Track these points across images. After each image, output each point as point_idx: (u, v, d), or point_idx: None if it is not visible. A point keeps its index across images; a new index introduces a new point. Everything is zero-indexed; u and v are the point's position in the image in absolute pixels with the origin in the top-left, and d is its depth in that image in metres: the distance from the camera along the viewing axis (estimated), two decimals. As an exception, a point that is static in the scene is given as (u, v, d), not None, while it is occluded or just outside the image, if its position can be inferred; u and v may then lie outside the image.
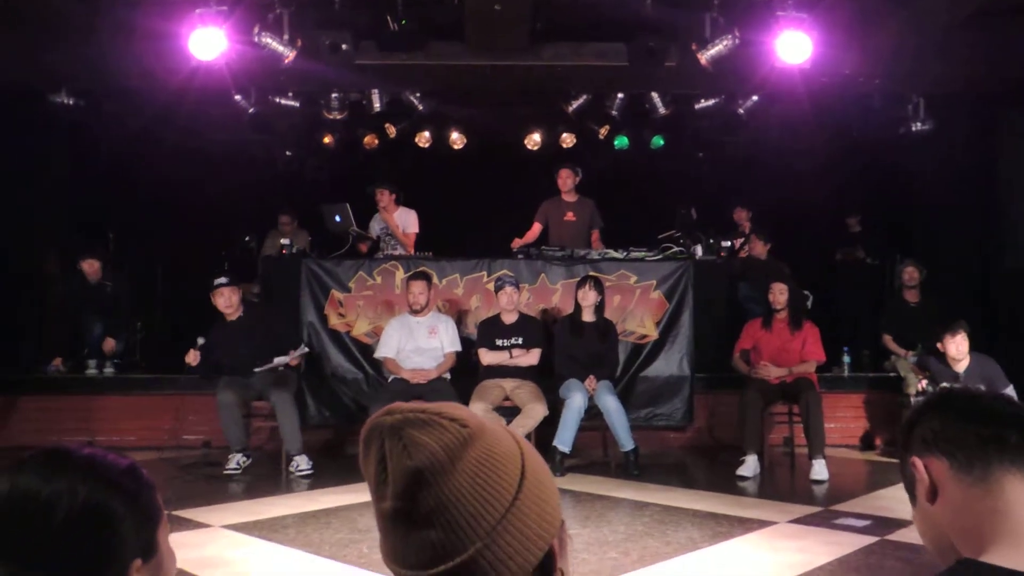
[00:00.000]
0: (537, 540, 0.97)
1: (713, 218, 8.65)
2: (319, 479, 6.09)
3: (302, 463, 6.23)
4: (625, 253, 7.43)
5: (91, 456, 1.08)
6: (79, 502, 1.02)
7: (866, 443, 7.46)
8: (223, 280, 6.60)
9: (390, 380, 6.67)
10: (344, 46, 6.93)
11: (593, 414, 6.39)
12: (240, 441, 6.26)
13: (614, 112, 9.08)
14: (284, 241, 7.87)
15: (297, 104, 8.79)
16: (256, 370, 6.34)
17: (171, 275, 9.31)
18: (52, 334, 8.14)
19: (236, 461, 6.22)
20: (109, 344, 7.80)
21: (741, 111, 8.82)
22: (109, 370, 7.75)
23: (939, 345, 6.22)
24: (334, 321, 7.31)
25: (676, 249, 7.51)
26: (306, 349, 6.60)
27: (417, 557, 0.95)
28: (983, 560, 1.07)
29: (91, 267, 7.87)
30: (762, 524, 4.93)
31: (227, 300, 6.50)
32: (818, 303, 7.86)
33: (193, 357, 6.31)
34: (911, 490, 1.26)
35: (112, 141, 8.82)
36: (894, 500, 5.44)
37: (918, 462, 1.22)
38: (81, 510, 1.02)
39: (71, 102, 8.01)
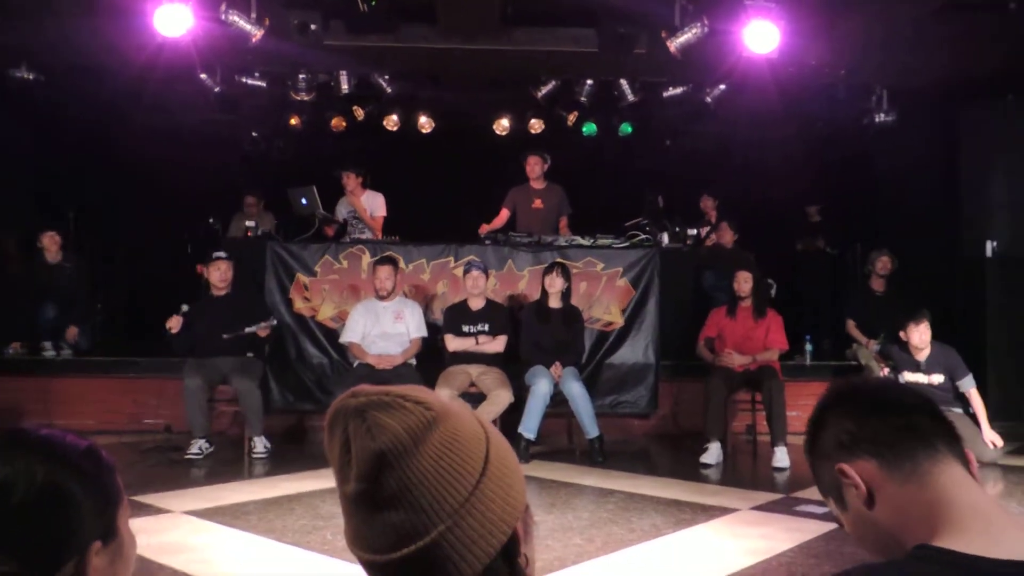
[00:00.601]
0: (500, 524, 0.98)
1: (680, 206, 8.70)
2: (282, 464, 6.05)
3: (258, 445, 6.24)
4: (592, 240, 7.45)
5: (49, 437, 1.07)
6: (37, 483, 1.00)
7: None
8: (222, 253, 6.61)
9: (355, 365, 6.63)
10: (313, 26, 6.84)
11: (559, 401, 6.41)
12: (203, 428, 6.22)
13: (583, 98, 9.06)
14: (249, 223, 7.77)
15: (264, 84, 8.67)
16: (225, 335, 6.30)
17: (133, 256, 9.17)
18: (8, 316, 7.96)
19: (198, 447, 6.17)
20: (72, 332, 7.67)
21: (709, 100, 8.86)
22: (67, 352, 7.62)
23: (902, 334, 6.31)
24: (299, 305, 7.25)
25: (643, 237, 7.54)
26: (274, 321, 6.54)
27: (380, 540, 0.95)
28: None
29: (52, 240, 7.72)
30: (725, 511, 4.98)
31: (222, 274, 6.53)
32: (781, 292, 7.94)
33: (176, 323, 6.27)
34: (833, 495, 1.23)
35: (75, 119, 8.65)
36: (854, 487, 5.53)
37: (848, 469, 1.18)
38: (39, 492, 1.00)
39: (31, 77, 7.83)
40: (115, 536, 1.07)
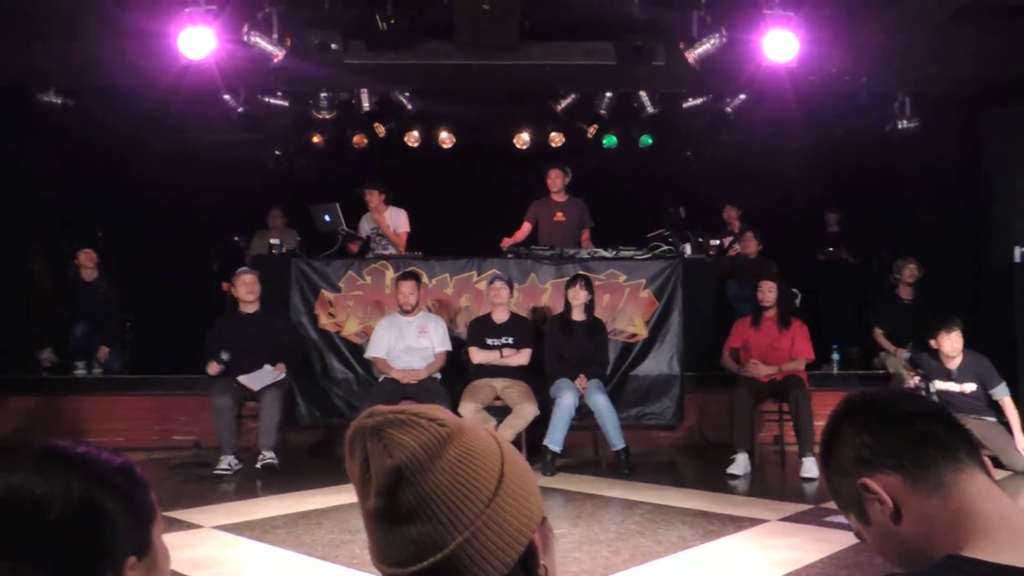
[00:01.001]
0: (517, 535, 0.99)
1: (701, 217, 8.69)
2: (310, 480, 6.07)
3: (267, 456, 6.26)
4: (614, 252, 7.45)
5: (85, 454, 1.08)
6: (73, 500, 1.02)
7: None
8: (246, 268, 6.70)
9: (380, 380, 6.67)
10: (333, 45, 6.93)
11: (584, 413, 6.40)
12: (232, 444, 6.28)
13: (602, 111, 9.09)
14: (274, 241, 7.85)
15: (286, 104, 8.77)
16: (239, 378, 6.35)
17: (159, 275, 9.27)
18: (39, 333, 8.09)
19: (227, 463, 6.22)
20: (103, 352, 7.77)
21: (728, 110, 8.85)
22: (98, 371, 7.72)
23: (933, 342, 6.25)
24: (324, 321, 7.30)
25: (665, 248, 7.53)
26: (282, 375, 6.52)
27: (400, 554, 0.97)
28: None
29: (89, 258, 7.85)
30: (753, 522, 4.94)
31: (249, 288, 6.59)
32: (806, 301, 7.90)
33: (215, 370, 6.36)
34: (854, 510, 1.21)
35: (100, 140, 8.77)
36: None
37: (872, 484, 1.16)
38: (75, 508, 1.02)
39: (59, 101, 7.97)
40: (149, 551, 1.09)
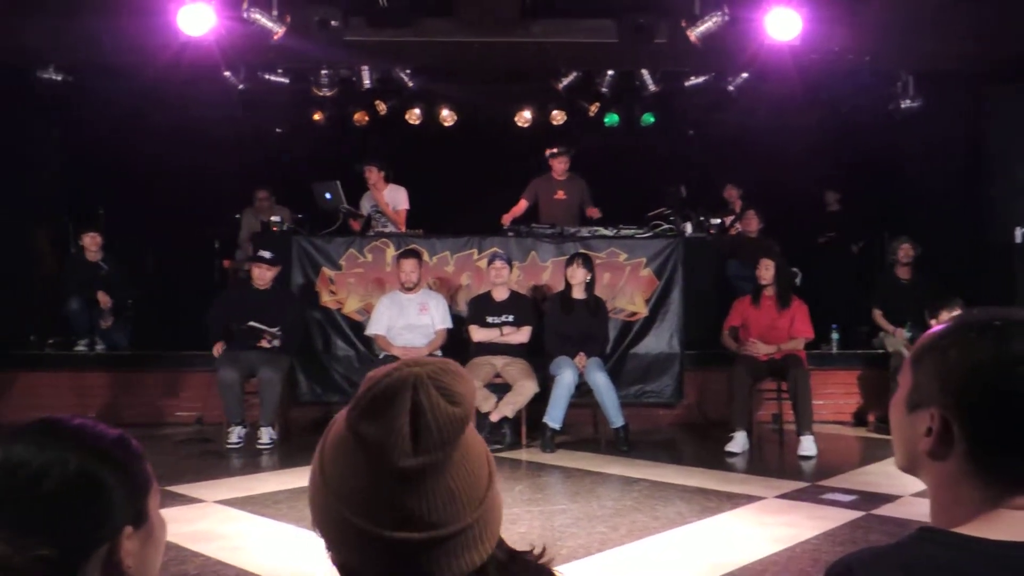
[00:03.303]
0: (500, 503, 1.01)
1: (703, 196, 8.67)
2: (311, 456, 6.10)
3: (264, 436, 6.33)
4: (615, 231, 7.45)
5: (81, 426, 1.10)
6: (70, 471, 1.03)
7: (858, 420, 7.53)
8: (266, 254, 6.75)
9: (381, 357, 6.69)
10: (334, 22, 6.90)
11: (583, 391, 6.44)
12: (239, 415, 6.36)
13: (604, 89, 9.06)
14: (275, 219, 7.84)
15: (287, 81, 8.74)
16: (251, 323, 6.45)
17: (160, 252, 9.28)
18: (43, 312, 8.12)
19: (237, 434, 6.32)
20: (104, 299, 7.75)
21: (731, 88, 8.81)
22: (101, 347, 7.75)
23: (933, 321, 6.26)
24: (325, 298, 7.32)
25: (666, 227, 7.53)
26: (277, 343, 6.56)
27: (438, 513, 0.92)
28: (953, 530, 1.01)
29: (93, 241, 7.85)
30: (750, 499, 4.98)
31: (261, 274, 6.64)
32: (806, 281, 7.90)
33: (219, 350, 6.42)
34: (910, 405, 1.07)
35: (101, 118, 8.75)
36: (881, 476, 5.52)
37: (936, 413, 1.02)
38: (72, 479, 1.03)
39: (59, 78, 7.95)
40: (146, 521, 1.10)
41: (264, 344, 6.48)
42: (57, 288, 7.93)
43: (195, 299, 7.58)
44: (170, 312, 8.33)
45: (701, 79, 8.80)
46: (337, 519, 0.96)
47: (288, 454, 6.20)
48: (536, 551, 1.05)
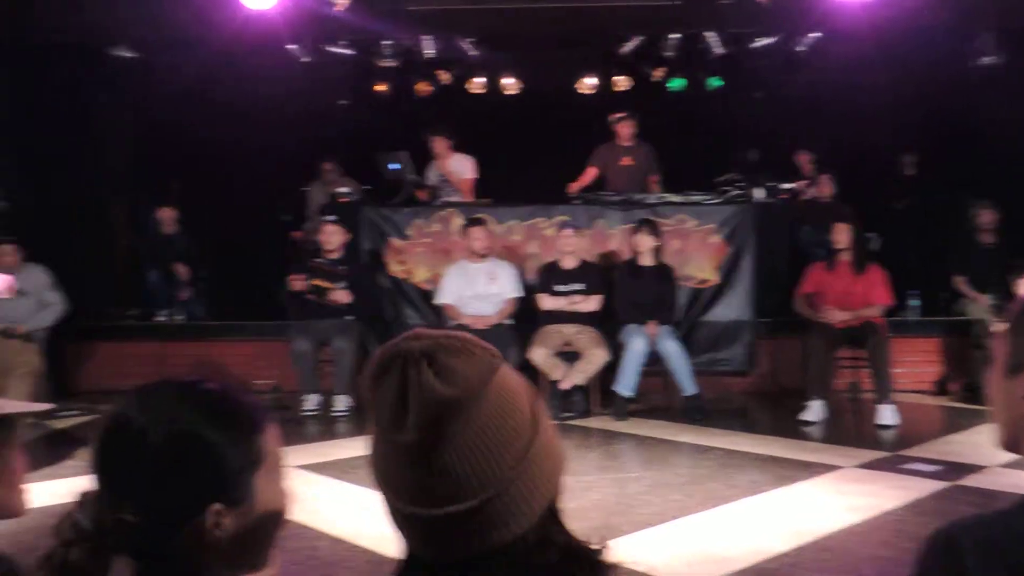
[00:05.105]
0: (552, 481, 0.96)
1: (773, 161, 8.48)
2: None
3: (339, 403, 6.46)
4: (683, 197, 7.35)
5: (208, 391, 1.09)
6: (164, 437, 1.03)
7: (940, 389, 7.32)
8: (331, 217, 6.88)
9: (451, 326, 6.73)
10: (396, -8, 6.88)
11: (654, 359, 6.39)
12: (314, 385, 6.51)
13: (669, 53, 8.89)
14: (343, 189, 7.92)
15: (350, 53, 8.77)
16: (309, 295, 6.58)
17: (231, 225, 9.45)
18: (122, 283, 8.36)
19: (313, 402, 6.46)
20: (181, 270, 7.95)
21: (801, 49, 8.58)
22: (179, 317, 7.97)
23: (1015, 286, 6.06)
24: (394, 268, 7.38)
25: (736, 192, 7.40)
26: (345, 296, 6.68)
27: (438, 493, 0.91)
28: None
29: (167, 215, 8.09)
30: (827, 468, 4.91)
31: (328, 238, 6.73)
32: (884, 246, 7.69)
33: (301, 285, 6.58)
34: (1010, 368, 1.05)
35: (170, 93, 8.89)
36: (966, 445, 5.37)
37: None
38: (167, 445, 1.03)
39: (130, 55, 8.10)
40: (246, 501, 1.07)
41: (334, 298, 6.55)
42: (136, 261, 8.16)
43: (266, 270, 7.71)
44: (243, 283, 8.49)
45: (770, 40, 8.57)
46: (377, 490, 0.98)
47: (363, 421, 6.27)
48: (595, 544, 0.99)
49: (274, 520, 1.12)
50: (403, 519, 0.95)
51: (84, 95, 8.17)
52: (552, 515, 0.97)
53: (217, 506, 1.03)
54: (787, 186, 7.85)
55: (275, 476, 1.11)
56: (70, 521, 1.04)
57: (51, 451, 5.29)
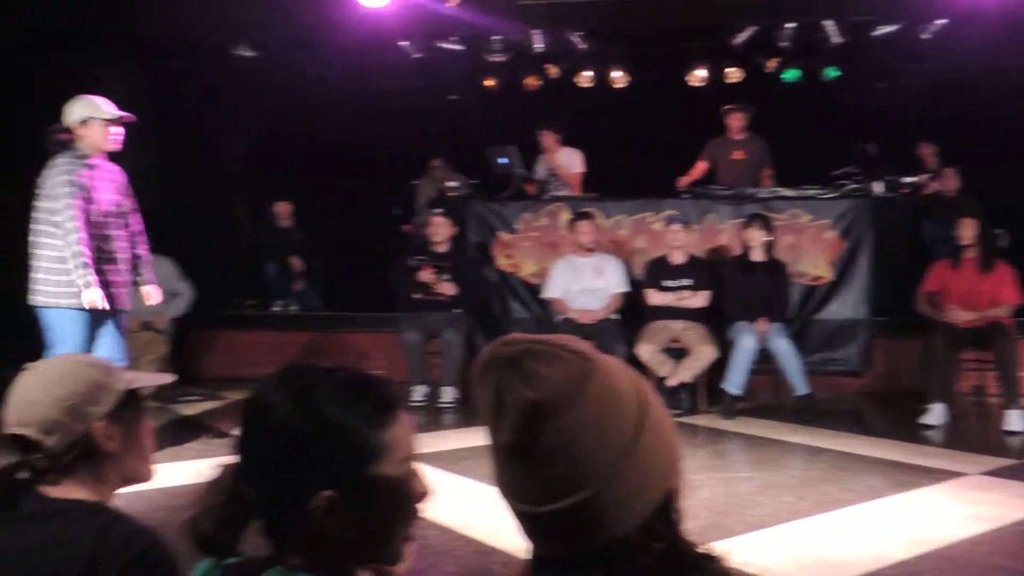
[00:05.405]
0: (660, 480, 0.95)
1: (894, 153, 8.14)
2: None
3: (447, 394, 6.53)
4: (797, 191, 7.15)
5: (346, 377, 1.11)
6: (305, 414, 1.06)
7: None
8: (439, 210, 7.05)
9: (558, 320, 6.75)
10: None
11: (764, 357, 6.25)
12: (421, 376, 6.65)
13: (784, 43, 8.65)
14: (452, 184, 8.03)
15: (460, 48, 8.88)
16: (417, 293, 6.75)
17: (343, 219, 9.71)
18: (241, 275, 8.73)
19: (421, 393, 6.60)
20: (296, 263, 8.23)
21: (925, 36, 8.20)
22: (294, 308, 8.27)
23: None
24: (501, 262, 7.44)
25: (853, 186, 7.14)
26: (450, 287, 6.80)
27: (534, 492, 0.94)
28: None
29: (284, 209, 8.42)
30: (950, 475, 4.69)
31: (436, 230, 6.87)
32: (1015, 243, 7.28)
33: (429, 275, 6.75)
34: None
35: (286, 91, 9.21)
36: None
37: None
38: (286, 428, 1.05)
39: (252, 54, 8.43)
40: (371, 489, 1.07)
41: (440, 290, 6.67)
42: (255, 253, 8.50)
43: (377, 263, 7.90)
44: (354, 276, 8.72)
45: (892, 28, 8.23)
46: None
47: (470, 413, 6.37)
48: (712, 551, 0.97)
49: (402, 513, 1.12)
50: (515, 515, 0.98)
51: (208, 93, 8.53)
52: (664, 516, 0.96)
53: (329, 492, 1.04)
54: (909, 180, 7.51)
55: (405, 468, 1.11)
56: (207, 492, 1.10)
57: (175, 435, 5.56)
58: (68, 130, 4.64)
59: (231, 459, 1.11)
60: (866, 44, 8.58)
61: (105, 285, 4.62)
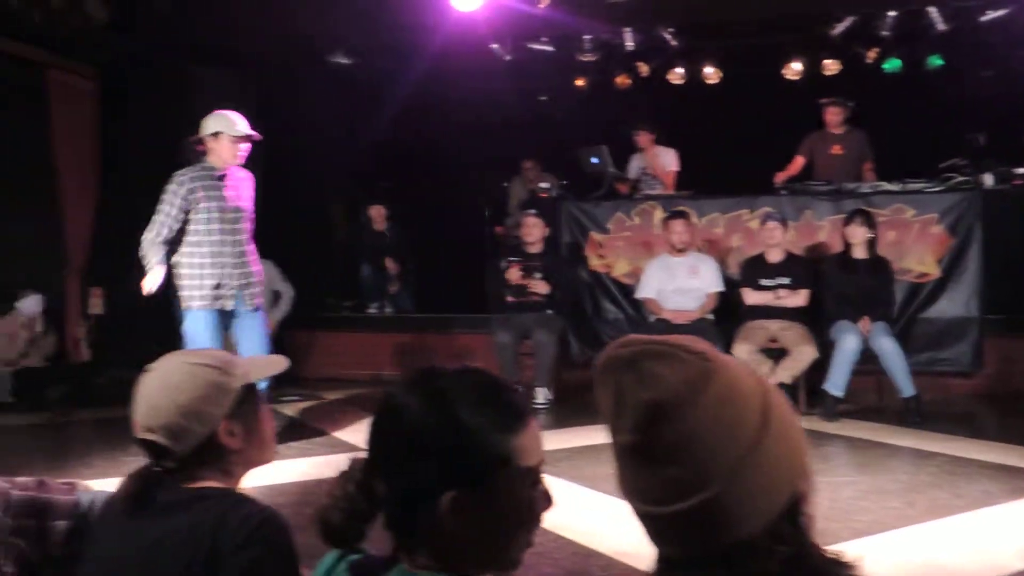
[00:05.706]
0: (783, 483, 0.93)
1: (1005, 144, 7.78)
2: (586, 416, 6.22)
3: (539, 395, 6.54)
4: (901, 185, 6.90)
5: (478, 381, 1.13)
6: (434, 414, 1.08)
7: None
8: (532, 211, 7.09)
9: (651, 320, 6.68)
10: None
11: (866, 357, 6.05)
12: (515, 375, 6.64)
13: (885, 32, 8.35)
14: (544, 185, 8.05)
15: (551, 49, 8.88)
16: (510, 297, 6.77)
17: (437, 221, 9.84)
18: (337, 276, 8.96)
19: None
20: (391, 264, 8.41)
21: (1036, 20, 7.82)
22: (389, 310, 8.43)
23: None
24: (594, 262, 7.42)
25: (961, 179, 6.85)
26: (542, 286, 6.79)
27: (655, 492, 0.94)
28: None
29: (378, 213, 8.60)
30: (1069, 481, 4.46)
31: (529, 231, 6.90)
32: None
33: (517, 275, 6.79)
34: None
35: (380, 96, 9.38)
36: None
37: None
38: (422, 422, 1.07)
39: (347, 61, 8.62)
40: (494, 494, 1.07)
41: (533, 289, 6.68)
42: (351, 256, 8.70)
43: (470, 265, 7.98)
44: (448, 278, 8.84)
45: (1000, 12, 7.86)
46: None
47: (563, 414, 6.36)
48: (841, 557, 0.96)
49: (524, 519, 1.13)
50: (639, 516, 0.98)
51: (304, 100, 8.77)
52: (792, 519, 0.95)
53: (455, 493, 1.05)
54: (1021, 171, 7.17)
55: (529, 475, 1.12)
56: (337, 484, 1.13)
57: (276, 435, 5.72)
58: (202, 141, 4.99)
59: (361, 454, 1.15)
60: (972, 30, 8.21)
61: (239, 287, 4.98)
